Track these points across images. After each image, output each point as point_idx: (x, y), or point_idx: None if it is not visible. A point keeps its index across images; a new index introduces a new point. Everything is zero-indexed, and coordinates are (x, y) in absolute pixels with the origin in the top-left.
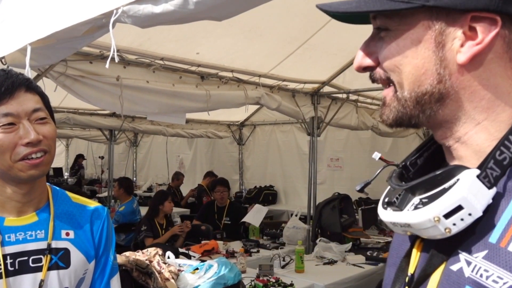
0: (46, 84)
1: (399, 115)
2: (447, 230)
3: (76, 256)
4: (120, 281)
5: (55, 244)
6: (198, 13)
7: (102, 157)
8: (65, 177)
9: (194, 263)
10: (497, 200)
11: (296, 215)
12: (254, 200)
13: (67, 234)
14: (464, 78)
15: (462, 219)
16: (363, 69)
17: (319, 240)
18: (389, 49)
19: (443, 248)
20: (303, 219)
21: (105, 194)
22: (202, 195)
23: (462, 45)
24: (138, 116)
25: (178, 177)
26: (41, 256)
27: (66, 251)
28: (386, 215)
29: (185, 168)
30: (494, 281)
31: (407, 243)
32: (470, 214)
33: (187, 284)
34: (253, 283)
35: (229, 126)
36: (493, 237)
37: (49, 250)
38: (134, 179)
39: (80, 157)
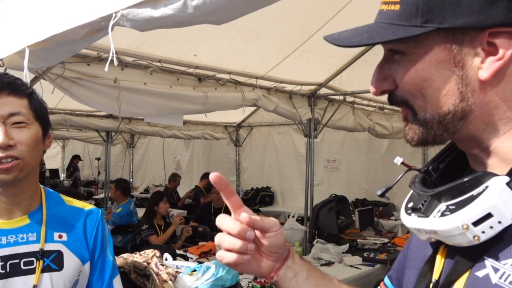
0: (44, 86)
1: (424, 136)
2: (475, 238)
3: (70, 258)
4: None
5: (47, 247)
6: (197, 17)
7: (98, 159)
8: (61, 178)
9: (192, 264)
10: None
11: (293, 217)
12: (251, 201)
13: (60, 236)
14: (487, 93)
15: (491, 227)
16: (380, 93)
17: (316, 242)
18: (408, 75)
19: (469, 255)
20: (300, 220)
21: (102, 195)
22: (199, 196)
23: (482, 61)
24: (135, 118)
25: (175, 178)
26: (33, 259)
27: (59, 254)
28: (410, 221)
29: (182, 170)
30: None
31: (428, 247)
32: (500, 222)
33: (185, 286)
34: (250, 284)
35: (226, 128)
36: None
37: (42, 254)
38: (131, 180)
39: (76, 158)
